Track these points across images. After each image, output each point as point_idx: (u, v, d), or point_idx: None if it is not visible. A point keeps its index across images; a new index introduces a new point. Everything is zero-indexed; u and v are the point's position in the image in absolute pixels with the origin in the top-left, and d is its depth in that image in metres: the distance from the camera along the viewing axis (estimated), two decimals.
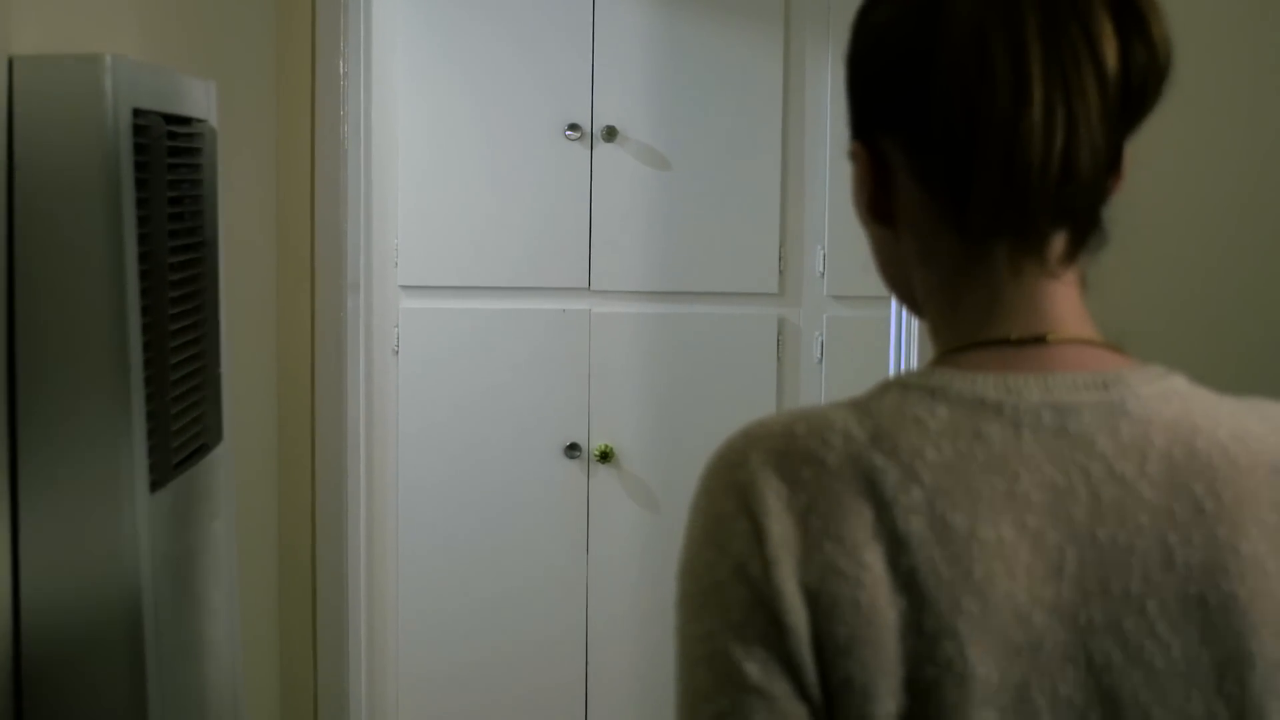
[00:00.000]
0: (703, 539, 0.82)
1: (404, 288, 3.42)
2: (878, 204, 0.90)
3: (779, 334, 3.44)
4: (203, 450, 1.69)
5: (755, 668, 0.78)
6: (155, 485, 1.48)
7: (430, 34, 3.37)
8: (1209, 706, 0.80)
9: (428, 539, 3.45)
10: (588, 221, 3.43)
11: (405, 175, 3.39)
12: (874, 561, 0.79)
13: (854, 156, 0.91)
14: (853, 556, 0.79)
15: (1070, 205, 0.82)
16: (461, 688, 3.47)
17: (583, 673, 3.47)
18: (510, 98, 3.38)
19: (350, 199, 2.52)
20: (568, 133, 3.39)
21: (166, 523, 1.52)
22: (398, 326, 3.42)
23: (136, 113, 1.43)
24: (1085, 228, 0.84)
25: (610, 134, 3.39)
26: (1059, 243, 0.84)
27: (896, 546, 0.79)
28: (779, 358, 3.44)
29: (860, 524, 0.79)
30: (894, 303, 2.61)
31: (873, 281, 0.97)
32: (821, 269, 3.40)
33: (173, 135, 1.54)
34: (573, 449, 3.45)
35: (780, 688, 0.78)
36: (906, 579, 0.78)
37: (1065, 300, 0.86)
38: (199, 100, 1.68)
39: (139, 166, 1.44)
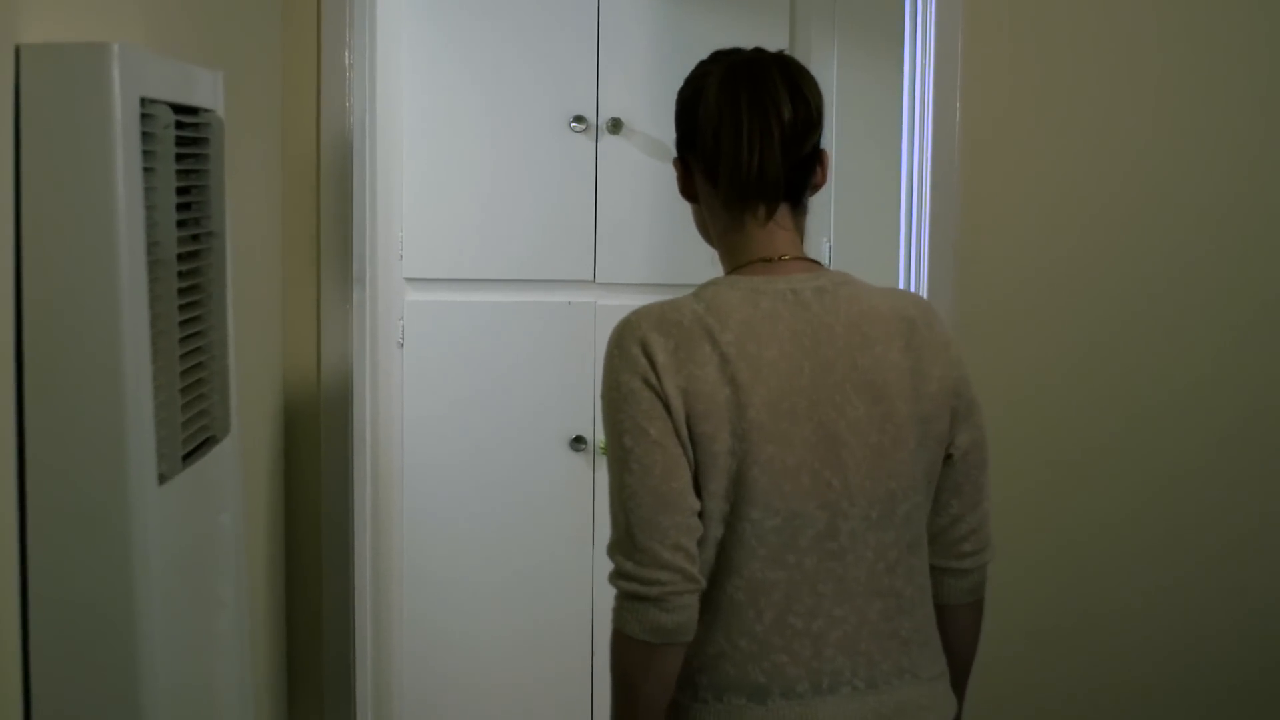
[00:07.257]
0: (620, 367, 1.56)
1: (409, 280, 3.42)
2: (687, 189, 1.70)
3: None
4: (210, 442, 1.68)
5: (655, 431, 1.53)
6: (163, 478, 1.47)
7: (435, 25, 3.36)
8: (880, 439, 1.58)
9: (433, 531, 3.45)
10: (593, 214, 3.42)
11: (410, 167, 3.38)
12: (712, 371, 1.54)
13: (674, 163, 1.71)
14: (702, 369, 1.54)
15: (763, 192, 1.62)
16: (466, 679, 3.47)
17: (589, 665, 3.46)
18: (515, 89, 3.37)
19: (355, 191, 2.52)
20: (573, 124, 3.38)
21: (174, 515, 1.52)
22: (402, 319, 3.41)
23: (144, 102, 1.42)
24: (774, 203, 1.63)
25: (616, 126, 3.38)
26: (762, 210, 1.63)
27: (723, 362, 1.55)
28: None
29: (703, 353, 1.55)
30: None
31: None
32: (828, 261, 3.39)
33: (180, 125, 1.53)
34: (578, 441, 3.44)
35: (670, 441, 1.53)
36: (730, 378, 1.54)
37: (787, 240, 1.65)
38: (206, 91, 1.67)
39: (146, 156, 1.43)
